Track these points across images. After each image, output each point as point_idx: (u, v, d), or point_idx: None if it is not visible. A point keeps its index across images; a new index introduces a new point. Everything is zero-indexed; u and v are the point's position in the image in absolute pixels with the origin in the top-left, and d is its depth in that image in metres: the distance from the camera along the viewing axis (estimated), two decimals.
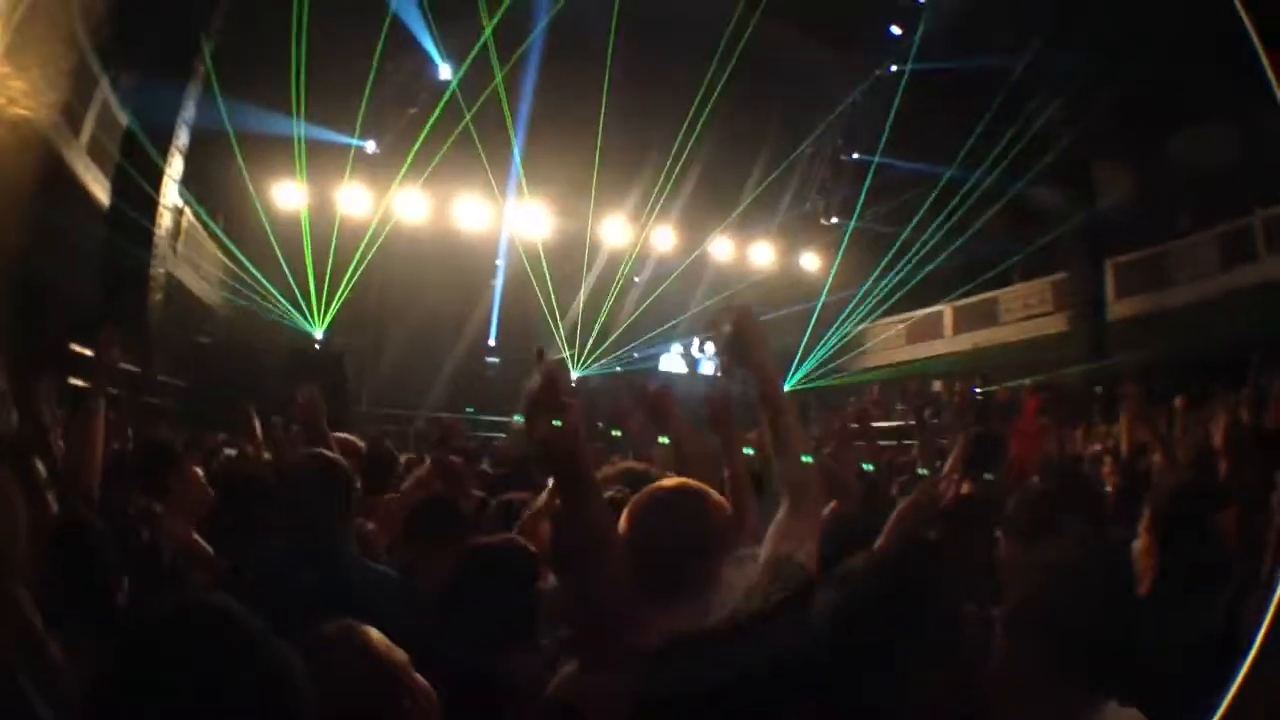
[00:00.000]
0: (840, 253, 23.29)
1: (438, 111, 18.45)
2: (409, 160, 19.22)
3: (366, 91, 17.84)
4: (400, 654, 2.18)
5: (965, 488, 4.81)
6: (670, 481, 2.56)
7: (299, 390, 4.84)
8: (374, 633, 2.17)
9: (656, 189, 21.10)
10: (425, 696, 2.20)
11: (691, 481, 2.53)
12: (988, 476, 4.95)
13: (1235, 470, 3.88)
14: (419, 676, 2.21)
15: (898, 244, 20.18)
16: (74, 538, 2.93)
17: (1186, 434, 5.66)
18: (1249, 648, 2.30)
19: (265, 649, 1.52)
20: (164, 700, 1.43)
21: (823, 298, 21.98)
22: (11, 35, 10.27)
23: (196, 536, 4.16)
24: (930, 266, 19.62)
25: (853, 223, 22.76)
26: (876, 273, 20.90)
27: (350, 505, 3.64)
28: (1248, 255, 16.59)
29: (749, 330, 2.61)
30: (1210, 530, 3.66)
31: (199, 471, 4.60)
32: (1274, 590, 2.81)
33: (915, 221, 19.69)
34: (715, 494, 2.48)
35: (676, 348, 22.70)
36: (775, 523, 2.62)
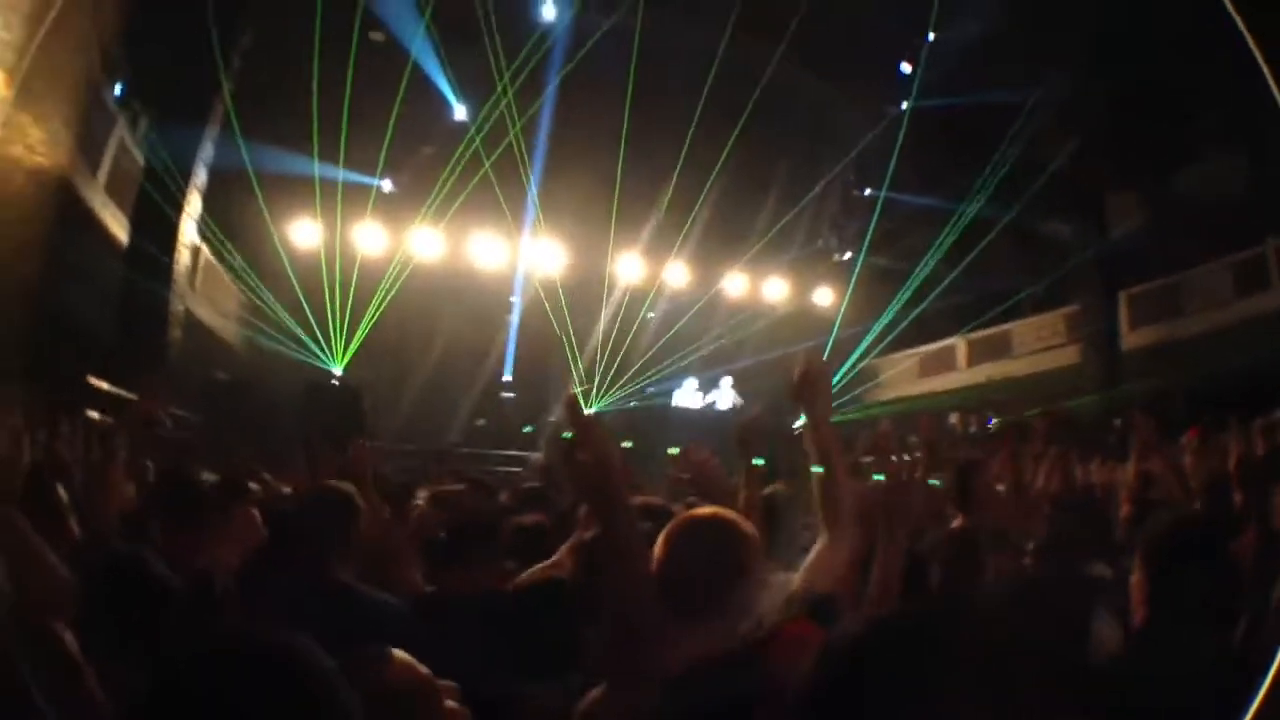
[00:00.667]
0: (852, 287, 23.39)
1: (465, 154, 18.68)
2: (429, 200, 19.45)
3: (389, 132, 18.03)
4: (426, 671, 2.14)
5: (958, 521, 4.83)
6: (704, 510, 2.62)
7: (352, 444, 4.86)
8: (409, 657, 2.13)
9: (672, 226, 21.29)
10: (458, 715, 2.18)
11: (724, 510, 2.60)
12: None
13: (1249, 497, 3.91)
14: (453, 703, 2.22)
15: (910, 279, 20.24)
16: (113, 569, 2.99)
17: (1200, 463, 5.66)
18: (1264, 673, 2.32)
19: (334, 690, 1.47)
20: None
21: (834, 332, 22.02)
22: (25, 82, 10.43)
23: None
24: (926, 298, 19.69)
25: (863, 257, 22.87)
26: (892, 307, 20.97)
27: (354, 537, 3.68)
28: (1261, 284, 16.59)
29: (816, 374, 2.81)
30: (1214, 561, 3.67)
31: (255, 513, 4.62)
32: None
33: (928, 257, 19.76)
34: (746, 522, 2.53)
35: (691, 383, 22.67)
36: (813, 555, 2.70)
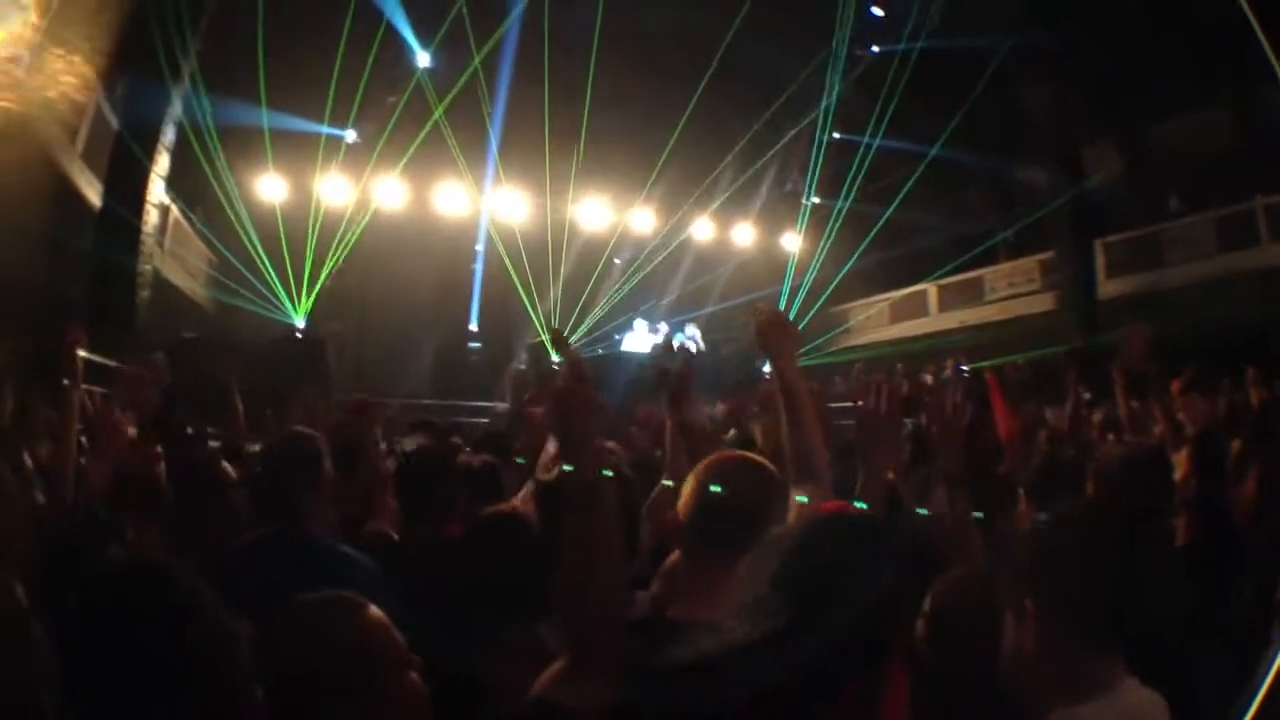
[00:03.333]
0: (802, 226, 23.41)
1: (439, 107, 18.62)
2: (396, 150, 19.38)
3: (334, 80, 17.78)
4: (400, 638, 1.97)
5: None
6: (734, 453, 2.66)
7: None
8: (372, 607, 1.97)
9: (639, 172, 21.12)
10: (418, 691, 1.98)
11: (750, 454, 2.63)
12: None
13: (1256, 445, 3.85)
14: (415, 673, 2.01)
15: (880, 223, 20.17)
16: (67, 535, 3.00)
17: (1189, 413, 5.60)
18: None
19: (203, 613, 1.56)
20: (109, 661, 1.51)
21: (789, 275, 22.04)
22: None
23: None
24: (897, 242, 19.62)
25: (810, 197, 22.89)
26: (859, 251, 20.98)
27: (319, 486, 3.47)
28: (1248, 240, 16.60)
29: (774, 326, 2.79)
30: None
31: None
32: None
33: (898, 201, 19.69)
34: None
35: (640, 324, 21.96)
36: (793, 515, 2.57)
